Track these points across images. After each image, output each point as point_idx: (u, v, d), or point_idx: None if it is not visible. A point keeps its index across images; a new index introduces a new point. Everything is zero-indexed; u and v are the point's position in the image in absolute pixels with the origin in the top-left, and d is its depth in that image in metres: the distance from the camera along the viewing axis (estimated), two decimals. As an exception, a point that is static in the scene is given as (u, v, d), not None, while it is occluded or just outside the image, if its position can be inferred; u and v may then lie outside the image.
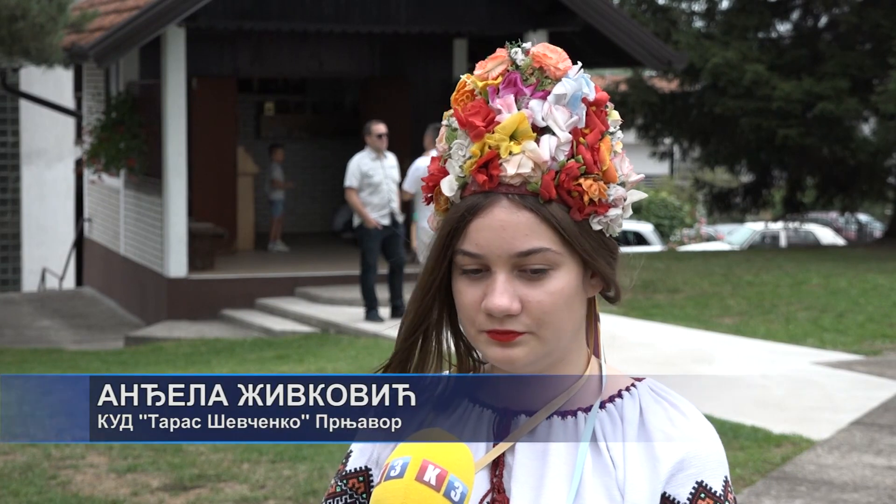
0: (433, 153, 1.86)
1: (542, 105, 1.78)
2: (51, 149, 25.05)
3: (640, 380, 1.86)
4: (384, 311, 15.07)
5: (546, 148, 1.76)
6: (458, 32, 19.04)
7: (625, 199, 1.81)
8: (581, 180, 1.76)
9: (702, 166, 26.36)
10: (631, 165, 1.84)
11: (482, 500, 1.81)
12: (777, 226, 30.01)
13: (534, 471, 1.80)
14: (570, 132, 1.77)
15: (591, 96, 1.80)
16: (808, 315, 14.77)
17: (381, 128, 14.69)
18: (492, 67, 1.83)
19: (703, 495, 1.77)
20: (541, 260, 1.76)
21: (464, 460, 1.70)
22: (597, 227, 1.79)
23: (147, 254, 18.17)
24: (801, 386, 10.93)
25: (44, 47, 14.94)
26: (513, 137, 1.77)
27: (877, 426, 9.46)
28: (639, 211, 27.77)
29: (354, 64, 19.87)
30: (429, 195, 1.84)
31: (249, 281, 16.95)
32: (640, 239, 27.47)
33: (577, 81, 1.79)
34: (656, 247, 27.57)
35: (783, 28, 24.95)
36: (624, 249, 1.87)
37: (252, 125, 21.91)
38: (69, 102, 24.35)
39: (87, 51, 15.95)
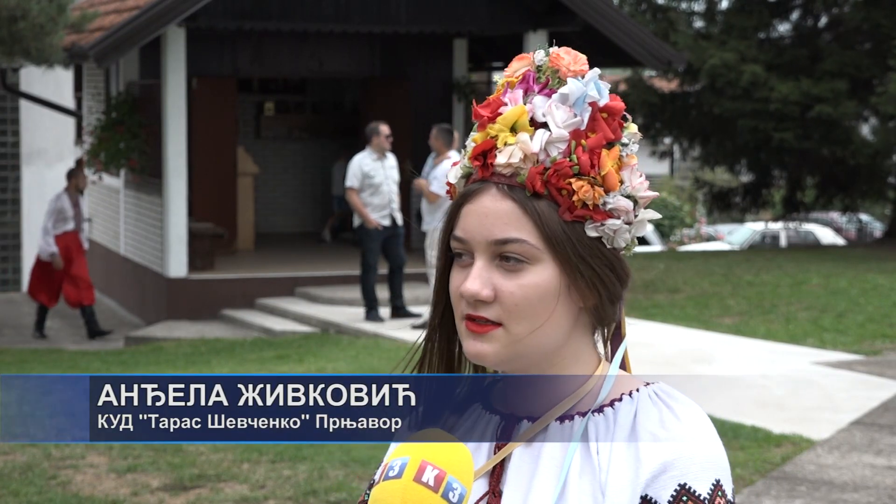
0: (454, 154, 1.91)
1: (545, 102, 1.80)
2: (51, 149, 25.04)
3: (650, 384, 1.84)
4: (384, 312, 15.07)
5: (538, 141, 1.78)
6: (458, 32, 19.04)
7: (632, 214, 1.81)
8: (572, 180, 1.77)
9: (701, 166, 26.37)
10: (644, 182, 1.83)
11: (478, 503, 1.82)
12: (777, 226, 30.00)
13: (526, 473, 1.80)
14: (568, 132, 1.78)
15: (602, 102, 1.81)
16: (808, 315, 14.77)
17: (387, 129, 14.73)
18: (517, 68, 1.86)
19: (685, 498, 1.74)
20: (517, 250, 1.76)
21: (463, 461, 1.70)
22: (593, 234, 1.79)
23: (147, 254, 18.17)
24: (801, 386, 10.93)
25: (44, 47, 14.94)
26: (512, 129, 1.79)
27: (877, 426, 9.46)
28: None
29: (354, 64, 19.86)
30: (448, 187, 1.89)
31: (249, 281, 16.95)
32: (640, 239, 27.36)
33: (586, 84, 1.80)
34: (656, 247, 27.58)
35: (783, 28, 24.95)
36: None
37: (252, 125, 21.91)
38: (69, 102, 24.35)
39: (87, 51, 15.95)
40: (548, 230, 1.76)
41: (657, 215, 1.87)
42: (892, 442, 9.01)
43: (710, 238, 35.29)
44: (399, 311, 14.94)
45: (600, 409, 1.81)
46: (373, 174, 14.60)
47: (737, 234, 33.01)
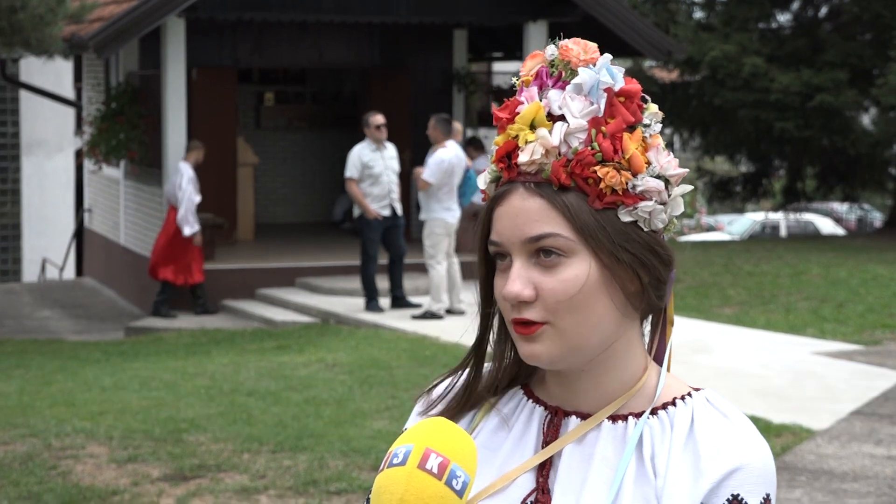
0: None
1: (559, 95, 1.79)
2: (51, 139, 25.04)
3: (698, 390, 1.84)
4: (384, 302, 15.08)
5: (557, 134, 1.77)
6: (458, 23, 19.03)
7: (665, 193, 1.79)
8: (597, 167, 1.76)
9: (702, 156, 26.37)
10: (672, 159, 1.81)
11: (526, 499, 1.80)
12: (777, 216, 30.03)
13: (578, 473, 1.79)
14: (587, 121, 1.77)
15: (617, 86, 1.80)
16: (808, 305, 14.78)
17: (379, 119, 14.67)
18: (531, 66, 1.85)
19: None
20: (551, 244, 1.75)
21: (467, 449, 1.70)
22: (627, 219, 1.77)
23: (147, 244, 18.16)
24: (800, 376, 10.94)
25: (44, 38, 14.93)
26: (532, 127, 1.79)
27: (877, 416, 9.47)
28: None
29: (354, 54, 19.85)
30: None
31: (250, 271, 16.96)
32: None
33: (598, 71, 1.79)
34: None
35: (783, 18, 24.94)
36: None
37: (252, 115, 21.90)
38: (69, 93, 24.35)
39: (87, 41, 15.94)
40: (579, 221, 1.75)
41: (690, 187, 1.85)
42: (892, 432, 9.01)
43: (710, 228, 35.31)
44: (399, 302, 14.94)
45: (654, 412, 1.80)
46: (372, 164, 14.60)
47: (737, 225, 33.03)
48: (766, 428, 8.93)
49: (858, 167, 24.35)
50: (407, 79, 19.93)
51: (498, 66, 23.51)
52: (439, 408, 1.89)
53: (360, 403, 9.96)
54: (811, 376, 10.91)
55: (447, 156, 14.06)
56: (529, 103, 1.80)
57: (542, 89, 1.81)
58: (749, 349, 12.20)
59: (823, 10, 24.56)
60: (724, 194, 26.63)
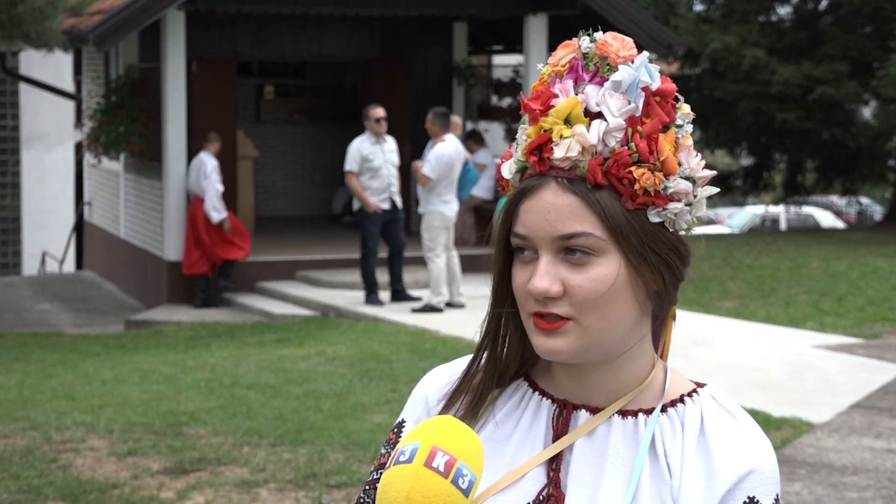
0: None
1: (597, 91, 1.77)
2: (51, 132, 25.03)
3: (701, 385, 1.84)
4: (384, 295, 15.08)
5: (595, 132, 1.75)
6: (458, 16, 19.01)
7: (692, 195, 1.79)
8: (633, 168, 1.75)
9: (702, 149, 26.35)
10: (701, 161, 1.81)
11: (539, 494, 1.80)
12: (777, 209, 30.01)
13: (591, 469, 1.79)
14: (624, 120, 1.76)
15: (654, 85, 1.79)
16: (808, 298, 14.78)
17: (379, 112, 14.66)
18: (562, 55, 1.82)
19: None
20: (584, 243, 1.74)
21: (473, 448, 1.69)
22: (655, 220, 1.77)
23: (147, 237, 18.17)
24: (800, 369, 10.94)
25: (43, 31, 14.93)
26: (566, 122, 1.77)
27: (876, 409, 9.47)
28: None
29: (355, 47, 19.84)
30: (501, 182, 1.86)
31: (249, 264, 16.95)
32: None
33: (637, 69, 1.78)
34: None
35: (783, 11, 24.92)
36: None
37: (252, 109, 21.89)
38: (69, 86, 24.34)
39: (87, 34, 15.92)
40: (612, 221, 1.74)
41: (715, 189, 1.85)
42: (891, 425, 9.02)
43: (710, 221, 35.28)
44: (399, 295, 14.94)
45: (663, 409, 1.81)
46: (371, 157, 14.59)
47: (737, 218, 33.02)
48: (765, 421, 8.93)
49: (858, 160, 24.35)
50: (407, 72, 19.91)
51: (498, 59, 23.49)
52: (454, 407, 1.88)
53: (360, 397, 9.96)
54: (811, 369, 10.91)
55: (447, 150, 14.05)
56: (565, 97, 1.78)
57: (577, 83, 1.79)
58: (749, 342, 12.20)
59: (823, 3, 24.54)
60: (724, 188, 26.62)
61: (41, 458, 8.16)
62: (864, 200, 33.40)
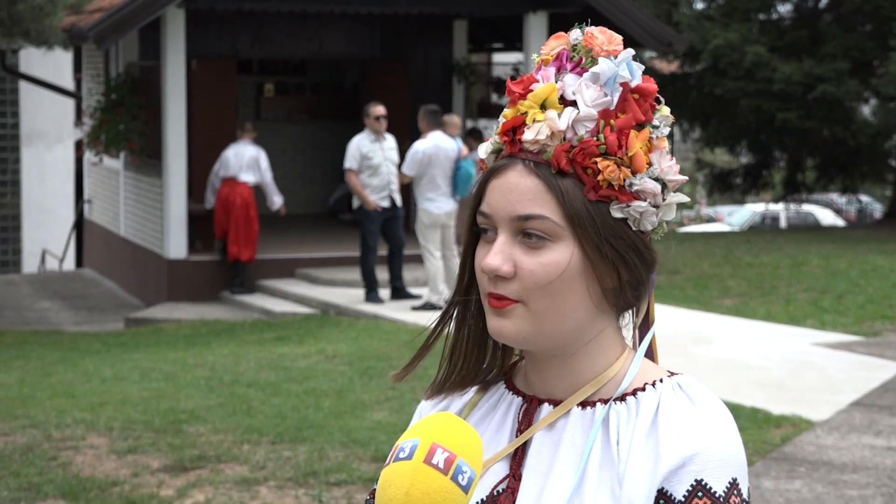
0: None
1: (576, 80, 1.79)
2: (50, 130, 25.04)
3: (675, 375, 1.83)
4: (384, 293, 15.08)
5: (566, 118, 1.77)
6: (458, 14, 19.01)
7: (660, 197, 1.79)
8: (598, 159, 1.76)
9: (702, 147, 26.35)
10: (674, 165, 1.81)
11: (496, 487, 1.82)
12: (777, 207, 30.02)
13: (546, 459, 1.81)
14: (598, 111, 1.77)
15: (634, 82, 1.80)
16: (807, 296, 14.78)
17: (379, 109, 14.67)
18: (553, 46, 1.85)
19: (700, 494, 1.72)
20: (539, 227, 1.76)
21: (473, 445, 1.70)
22: (618, 215, 1.77)
23: (147, 235, 18.17)
24: (800, 367, 10.94)
25: (43, 29, 14.93)
26: (542, 107, 1.80)
27: (876, 407, 9.47)
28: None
29: (354, 45, 19.84)
30: (481, 163, 1.88)
31: (250, 262, 16.94)
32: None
33: (618, 64, 1.79)
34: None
35: (784, 9, 24.92)
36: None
37: (252, 106, 21.89)
38: (69, 84, 24.34)
39: (87, 32, 15.92)
40: (571, 208, 1.76)
41: (686, 199, 1.85)
42: (891, 423, 9.02)
43: (710, 219, 35.33)
44: (399, 293, 14.95)
45: (622, 398, 1.80)
46: (371, 155, 14.59)
47: (737, 216, 33.04)
48: (765, 419, 8.94)
49: (858, 158, 24.34)
50: (407, 70, 19.91)
51: (498, 57, 23.49)
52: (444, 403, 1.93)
53: (360, 394, 9.97)
54: (811, 367, 10.91)
55: (422, 147, 14.07)
56: (544, 82, 1.81)
57: (559, 71, 1.82)
58: (749, 340, 12.20)
59: (824, 1, 24.54)
60: (724, 186, 26.63)
61: (41, 456, 8.16)
62: (864, 198, 33.43)
